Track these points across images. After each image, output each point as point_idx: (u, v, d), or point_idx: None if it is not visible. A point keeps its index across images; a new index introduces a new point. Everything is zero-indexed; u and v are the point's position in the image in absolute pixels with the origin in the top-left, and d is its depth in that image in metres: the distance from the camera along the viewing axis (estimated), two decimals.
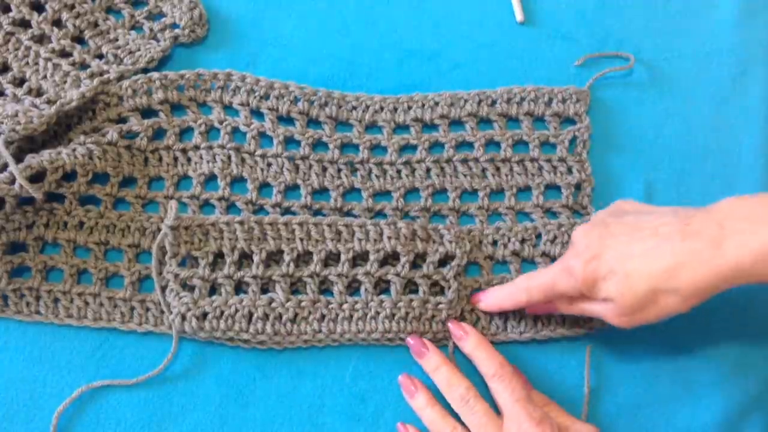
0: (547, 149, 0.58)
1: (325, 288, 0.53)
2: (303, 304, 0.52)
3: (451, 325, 0.53)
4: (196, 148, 0.55)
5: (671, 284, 0.43)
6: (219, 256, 0.52)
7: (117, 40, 0.58)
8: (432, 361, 0.51)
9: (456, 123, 0.58)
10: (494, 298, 0.52)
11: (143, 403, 0.51)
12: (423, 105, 0.57)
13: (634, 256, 0.44)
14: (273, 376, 0.52)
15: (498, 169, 0.57)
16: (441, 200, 0.56)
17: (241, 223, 0.52)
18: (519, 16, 0.62)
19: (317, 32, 0.61)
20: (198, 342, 0.52)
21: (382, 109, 0.57)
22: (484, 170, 0.57)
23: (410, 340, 0.52)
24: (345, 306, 0.52)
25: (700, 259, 0.42)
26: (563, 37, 0.62)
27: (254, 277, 0.52)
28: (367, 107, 0.57)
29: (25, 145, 0.52)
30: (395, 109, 0.57)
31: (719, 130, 0.60)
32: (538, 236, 0.55)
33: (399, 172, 0.56)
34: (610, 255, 0.45)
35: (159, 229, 0.53)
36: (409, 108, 0.57)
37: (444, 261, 0.54)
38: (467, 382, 0.50)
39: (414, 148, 0.57)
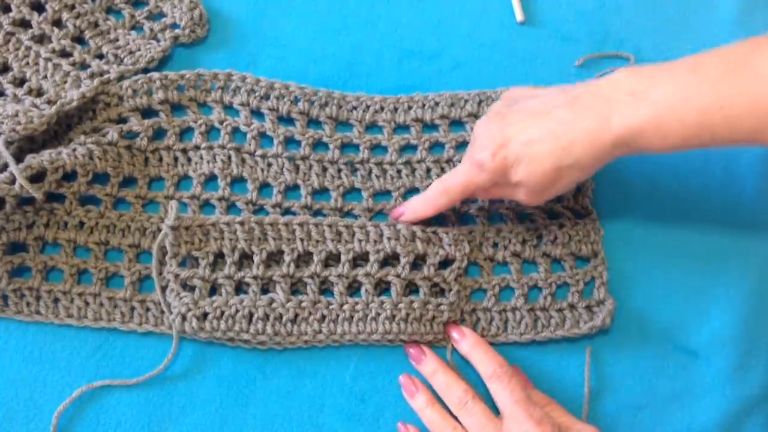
0: None
1: (325, 288, 0.53)
2: (303, 304, 0.52)
3: (449, 328, 0.53)
4: (197, 148, 0.55)
5: (571, 159, 0.46)
6: (219, 256, 0.52)
7: (117, 40, 0.58)
8: (429, 366, 0.51)
9: (456, 123, 0.58)
10: (415, 207, 0.53)
11: (143, 403, 0.51)
12: (423, 105, 0.57)
13: (534, 140, 0.47)
14: (273, 376, 0.52)
15: None
16: None
17: (242, 223, 0.52)
18: (519, 16, 0.62)
19: (317, 32, 0.61)
20: (198, 342, 0.52)
21: (382, 109, 0.57)
22: None
23: (410, 350, 0.52)
24: (345, 307, 0.52)
25: (591, 134, 0.46)
26: (563, 37, 0.62)
27: (255, 277, 0.52)
28: (368, 107, 0.57)
29: (25, 145, 0.52)
30: (395, 109, 0.57)
31: None
32: (539, 237, 0.55)
33: (399, 171, 0.56)
34: (513, 143, 0.48)
35: (159, 229, 0.53)
36: (410, 108, 0.57)
37: (444, 263, 0.54)
38: (465, 385, 0.50)
39: (414, 147, 0.57)
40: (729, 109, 0.43)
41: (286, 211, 0.55)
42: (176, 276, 0.51)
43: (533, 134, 0.47)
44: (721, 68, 0.44)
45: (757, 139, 0.44)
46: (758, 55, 0.44)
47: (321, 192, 0.56)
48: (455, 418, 0.50)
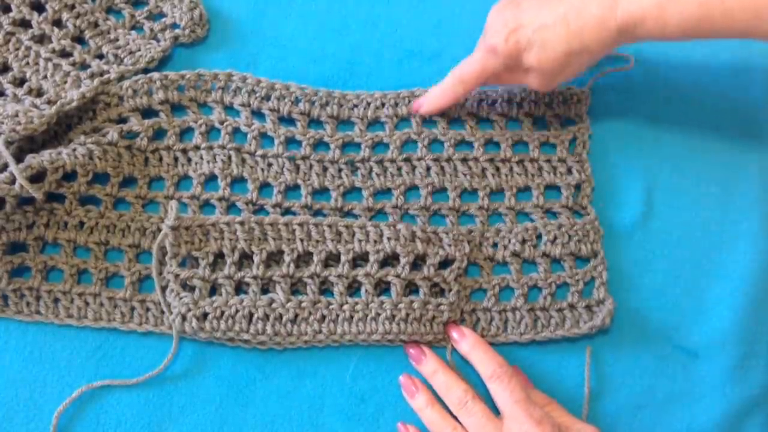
0: (547, 149, 0.58)
1: (325, 289, 0.53)
2: (303, 304, 0.52)
3: (449, 328, 0.53)
4: (197, 148, 0.55)
5: (581, 45, 0.49)
6: (219, 256, 0.52)
7: (117, 40, 0.58)
8: (429, 366, 0.51)
9: (455, 121, 0.58)
10: (433, 99, 0.56)
11: (143, 403, 0.51)
12: None
13: (547, 25, 0.49)
14: (273, 377, 0.52)
15: (498, 169, 0.57)
16: (441, 199, 0.56)
17: (242, 223, 0.52)
18: None
19: (317, 32, 0.61)
20: (198, 342, 0.52)
21: (383, 105, 0.57)
22: (483, 170, 0.57)
23: (410, 350, 0.52)
24: (345, 307, 0.52)
25: (599, 20, 0.48)
26: None
27: (255, 277, 0.52)
28: (368, 104, 0.57)
29: (25, 145, 0.52)
30: (396, 104, 0.58)
31: (719, 130, 0.60)
32: (539, 237, 0.55)
33: (399, 169, 0.56)
34: (526, 28, 0.50)
35: (159, 230, 0.53)
36: (410, 102, 0.57)
37: (444, 263, 0.54)
38: (465, 385, 0.50)
39: (414, 143, 0.57)
40: (725, 3, 0.46)
41: (287, 211, 0.55)
42: (176, 276, 0.51)
43: (546, 19, 0.49)
44: None
45: (752, 32, 0.47)
46: None
47: (321, 192, 0.56)
48: (455, 418, 0.50)
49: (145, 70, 0.57)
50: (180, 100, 0.56)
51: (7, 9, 0.57)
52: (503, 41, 0.50)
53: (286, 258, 0.52)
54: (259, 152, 0.56)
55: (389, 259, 0.53)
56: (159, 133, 0.56)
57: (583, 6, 0.49)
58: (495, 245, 0.55)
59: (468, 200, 0.56)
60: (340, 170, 0.56)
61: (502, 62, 0.51)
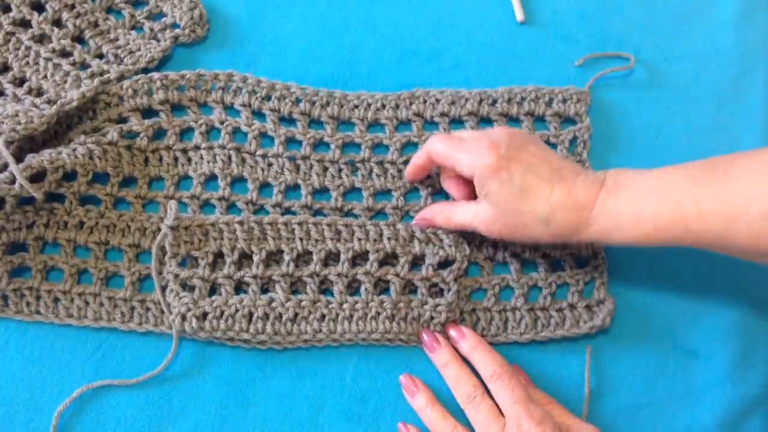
0: None
1: (325, 288, 0.53)
2: (303, 303, 0.52)
3: (449, 328, 0.53)
4: (197, 148, 0.55)
5: (545, 213, 0.47)
6: (219, 256, 0.52)
7: (117, 40, 0.58)
8: (442, 357, 0.51)
9: (456, 121, 0.58)
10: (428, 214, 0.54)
11: (143, 403, 0.51)
12: (425, 101, 0.57)
13: (532, 173, 0.48)
14: (273, 376, 0.52)
15: None
16: (441, 200, 0.56)
17: (241, 223, 0.52)
18: (519, 16, 0.62)
19: (318, 32, 0.61)
20: (198, 342, 0.52)
21: (384, 106, 0.57)
22: None
23: (424, 335, 0.52)
24: (345, 306, 0.52)
25: (571, 222, 0.47)
26: (563, 37, 0.62)
27: (254, 277, 0.52)
28: (369, 105, 0.57)
29: (25, 145, 0.52)
30: (397, 106, 0.57)
31: (719, 130, 0.60)
32: None
33: (400, 171, 0.56)
34: (515, 161, 0.48)
35: (159, 229, 0.53)
36: (411, 104, 0.57)
37: (444, 263, 0.54)
38: (475, 380, 0.50)
39: (415, 145, 0.57)
40: (701, 207, 0.44)
41: (286, 211, 0.55)
42: (176, 276, 0.51)
43: (533, 169, 0.48)
44: (701, 168, 0.46)
45: (725, 245, 0.45)
46: (735, 163, 0.45)
47: (321, 192, 0.56)
48: (455, 417, 0.50)
49: (145, 70, 0.57)
50: (180, 100, 0.56)
51: (7, 9, 0.57)
52: (489, 158, 0.48)
53: (286, 257, 0.52)
54: (259, 152, 0.56)
55: (389, 258, 0.53)
56: (159, 133, 0.56)
57: (561, 200, 0.47)
58: (495, 245, 0.55)
59: None
60: (340, 170, 0.56)
61: (471, 172, 0.49)
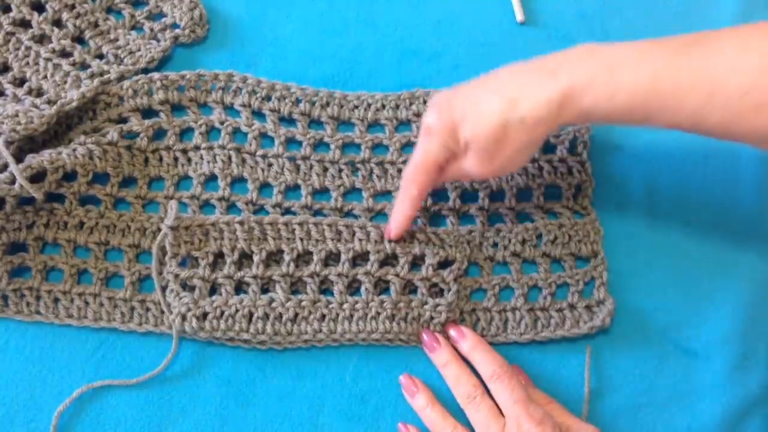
0: (547, 149, 0.58)
1: (325, 288, 0.53)
2: (303, 303, 0.52)
3: (449, 328, 0.53)
4: (197, 148, 0.55)
5: (517, 114, 0.45)
6: (219, 256, 0.52)
7: (117, 40, 0.58)
8: (442, 356, 0.51)
9: None
10: (395, 217, 0.52)
11: (143, 403, 0.51)
12: (425, 101, 0.57)
13: (481, 98, 0.46)
14: (273, 376, 0.52)
15: None
16: (441, 200, 0.56)
17: (241, 223, 0.52)
18: (519, 16, 0.62)
19: (318, 32, 0.61)
20: (198, 342, 0.52)
21: (384, 107, 0.57)
22: None
23: (424, 335, 0.52)
24: (345, 306, 0.52)
25: (538, 86, 0.45)
26: (563, 37, 0.62)
27: (254, 277, 0.52)
28: (369, 105, 0.57)
29: (25, 145, 0.52)
30: (397, 107, 0.57)
31: None
32: (539, 237, 0.55)
33: (400, 171, 0.56)
34: (460, 102, 0.47)
35: (159, 229, 0.53)
36: (411, 104, 0.57)
37: (444, 263, 0.54)
38: (475, 380, 0.50)
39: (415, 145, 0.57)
40: (679, 78, 0.42)
41: (287, 211, 0.55)
42: (176, 276, 0.51)
43: (480, 94, 0.46)
44: (681, 41, 0.44)
45: (698, 122, 0.43)
46: (718, 36, 0.43)
47: (321, 192, 0.56)
48: (455, 417, 0.50)
49: (145, 70, 0.57)
50: (180, 100, 0.56)
51: (7, 9, 0.57)
52: (437, 117, 0.47)
53: (286, 257, 0.52)
54: (260, 152, 0.56)
55: (389, 259, 0.53)
56: (159, 133, 0.56)
57: (521, 77, 0.46)
58: (495, 245, 0.55)
59: (468, 201, 0.56)
60: (340, 171, 0.56)
61: (442, 144, 0.47)
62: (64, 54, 0.57)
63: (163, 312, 0.52)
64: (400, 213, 0.52)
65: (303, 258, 0.53)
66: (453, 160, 0.49)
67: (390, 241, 0.53)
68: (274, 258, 0.53)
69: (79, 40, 0.58)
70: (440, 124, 0.47)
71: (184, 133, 0.56)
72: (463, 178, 0.51)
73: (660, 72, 0.43)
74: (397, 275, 0.52)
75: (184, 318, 0.50)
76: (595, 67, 0.44)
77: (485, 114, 0.45)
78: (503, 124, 0.45)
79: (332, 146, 0.56)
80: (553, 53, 0.46)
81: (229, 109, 0.57)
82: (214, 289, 0.52)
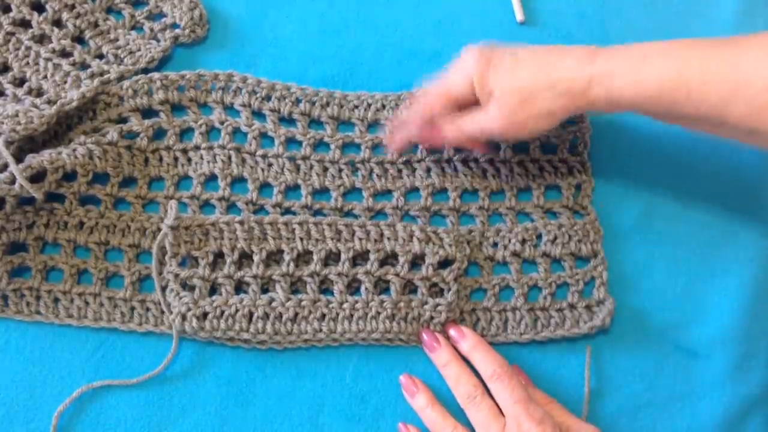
0: (547, 149, 0.58)
1: (325, 288, 0.53)
2: (303, 303, 0.52)
3: (449, 328, 0.53)
4: (197, 148, 0.55)
5: (549, 78, 0.47)
6: (219, 256, 0.52)
7: (117, 40, 0.58)
8: (443, 356, 0.51)
9: None
10: (395, 135, 0.55)
11: (143, 403, 0.51)
12: None
13: (519, 56, 0.48)
14: (273, 376, 0.52)
15: (498, 169, 0.57)
16: (441, 200, 0.56)
17: (241, 222, 0.52)
18: (519, 16, 0.62)
19: (318, 32, 0.61)
20: (198, 342, 0.52)
21: (384, 106, 0.57)
22: (484, 171, 0.57)
23: (424, 335, 0.52)
24: (345, 305, 0.52)
25: (574, 65, 0.47)
26: (563, 37, 0.62)
27: (254, 276, 0.52)
28: (369, 105, 0.57)
29: (25, 145, 0.52)
30: (397, 106, 0.57)
31: None
32: (539, 236, 0.55)
33: (400, 171, 0.56)
34: (502, 53, 0.49)
35: (159, 229, 0.53)
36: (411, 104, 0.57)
37: (444, 263, 0.54)
38: (475, 380, 0.50)
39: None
40: (706, 70, 0.44)
41: (287, 211, 0.55)
42: (176, 276, 0.51)
43: (523, 54, 0.48)
44: (710, 41, 0.46)
45: (722, 114, 0.44)
46: (746, 39, 0.45)
47: (321, 192, 0.56)
48: (456, 417, 0.50)
49: (145, 70, 0.57)
50: (180, 100, 0.56)
51: (7, 9, 0.57)
52: (474, 56, 0.49)
53: (286, 257, 0.52)
54: (260, 152, 0.56)
55: (389, 258, 0.53)
56: (159, 133, 0.56)
57: (561, 51, 0.48)
58: (495, 245, 0.55)
59: (468, 200, 0.56)
60: (340, 170, 0.56)
61: (467, 79, 0.49)
62: (64, 54, 0.57)
63: (163, 312, 0.52)
64: (400, 132, 0.54)
65: (303, 258, 0.53)
66: (472, 106, 0.50)
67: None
68: (274, 258, 0.53)
69: (79, 40, 0.58)
70: (474, 62, 0.49)
71: (184, 133, 0.56)
72: (477, 132, 0.51)
73: (688, 63, 0.45)
74: (397, 275, 0.52)
75: (184, 318, 0.50)
76: (629, 56, 0.46)
77: (519, 71, 0.48)
78: (532, 85, 0.47)
79: (332, 146, 0.56)
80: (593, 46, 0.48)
81: (229, 109, 0.57)
82: (214, 289, 0.52)
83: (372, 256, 0.52)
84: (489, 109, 0.49)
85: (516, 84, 0.48)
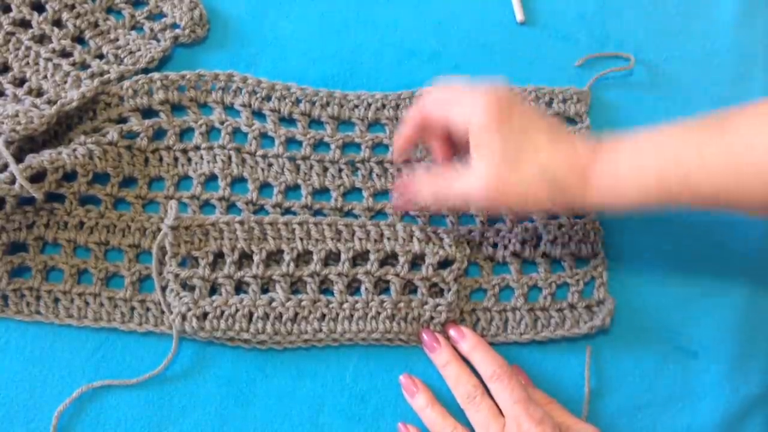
0: None
1: (325, 288, 0.53)
2: (303, 303, 0.52)
3: (449, 328, 0.53)
4: (197, 148, 0.55)
5: (550, 172, 0.45)
6: (219, 256, 0.52)
7: (117, 40, 0.58)
8: (442, 356, 0.51)
9: None
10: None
11: (143, 403, 0.51)
12: None
13: (533, 128, 0.46)
14: (273, 376, 0.52)
15: None
16: None
17: (241, 222, 0.52)
18: (519, 16, 0.62)
19: (318, 32, 0.61)
20: (198, 342, 0.52)
21: (384, 106, 0.57)
22: None
23: (424, 335, 0.52)
24: (345, 305, 0.52)
25: (572, 182, 0.45)
26: (563, 37, 0.62)
27: (254, 276, 0.52)
28: (369, 105, 0.57)
29: (25, 145, 0.52)
30: (397, 106, 0.58)
31: None
32: (539, 237, 0.55)
33: (400, 171, 0.56)
34: (518, 114, 0.46)
35: (159, 229, 0.53)
36: (411, 103, 0.57)
37: (444, 263, 0.54)
38: (475, 380, 0.50)
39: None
40: (704, 149, 0.43)
41: (287, 211, 0.55)
42: (176, 276, 0.51)
43: (535, 120, 0.46)
44: (697, 122, 0.45)
45: (734, 191, 0.43)
46: (734, 114, 0.44)
47: (321, 192, 0.56)
48: (456, 417, 0.50)
49: (145, 70, 0.57)
50: (180, 100, 0.56)
51: (7, 9, 0.57)
52: (486, 100, 0.45)
53: (286, 257, 0.52)
54: (260, 152, 0.56)
55: (389, 258, 0.53)
56: (159, 133, 0.56)
57: (558, 137, 0.46)
58: (495, 245, 0.55)
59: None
60: (340, 170, 0.56)
61: (465, 112, 0.46)
62: (64, 54, 0.57)
63: (163, 312, 0.52)
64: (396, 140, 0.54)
65: (303, 258, 0.53)
66: (454, 152, 0.51)
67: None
68: (274, 258, 0.53)
69: (79, 40, 0.58)
70: (487, 102, 0.45)
71: (184, 133, 0.56)
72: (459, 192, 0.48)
73: (683, 149, 0.44)
74: (397, 275, 0.52)
75: (184, 318, 0.50)
76: (624, 158, 0.45)
77: (526, 157, 0.45)
78: (536, 182, 0.45)
79: (332, 146, 0.56)
80: (602, 146, 0.47)
81: (229, 109, 0.57)
82: (214, 289, 0.52)
83: (372, 256, 0.52)
84: (475, 172, 0.46)
85: (514, 161, 0.45)
